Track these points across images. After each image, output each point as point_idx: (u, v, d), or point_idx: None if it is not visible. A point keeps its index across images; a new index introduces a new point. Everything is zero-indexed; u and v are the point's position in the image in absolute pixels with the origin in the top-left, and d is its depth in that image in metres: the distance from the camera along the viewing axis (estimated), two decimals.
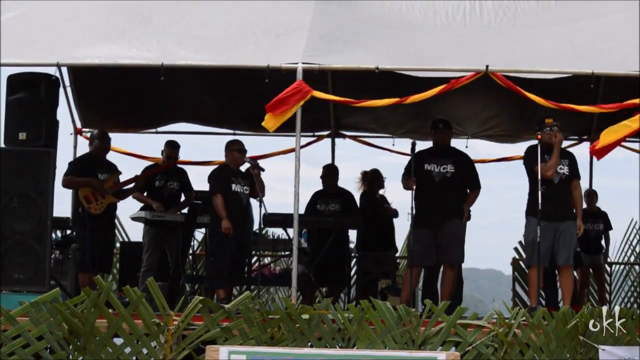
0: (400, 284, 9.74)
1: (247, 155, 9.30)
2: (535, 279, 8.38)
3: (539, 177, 8.25)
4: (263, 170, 9.15)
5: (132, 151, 11.24)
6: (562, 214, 8.33)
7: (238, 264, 9.27)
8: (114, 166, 9.55)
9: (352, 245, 11.08)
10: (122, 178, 9.56)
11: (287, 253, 10.61)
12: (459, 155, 9.03)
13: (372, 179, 10.94)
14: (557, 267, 8.69)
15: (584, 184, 10.60)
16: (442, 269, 8.98)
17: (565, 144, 11.25)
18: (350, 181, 10.97)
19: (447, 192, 8.70)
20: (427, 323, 7.08)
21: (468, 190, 8.93)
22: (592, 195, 11.49)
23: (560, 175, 8.42)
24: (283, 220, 9.63)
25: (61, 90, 9.29)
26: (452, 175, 8.75)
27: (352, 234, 10.87)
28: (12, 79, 8.39)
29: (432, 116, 9.82)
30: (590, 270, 11.73)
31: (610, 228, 11.67)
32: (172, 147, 10.02)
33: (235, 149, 9.20)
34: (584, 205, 10.35)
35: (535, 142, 8.47)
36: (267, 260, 11.97)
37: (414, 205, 8.46)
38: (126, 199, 9.74)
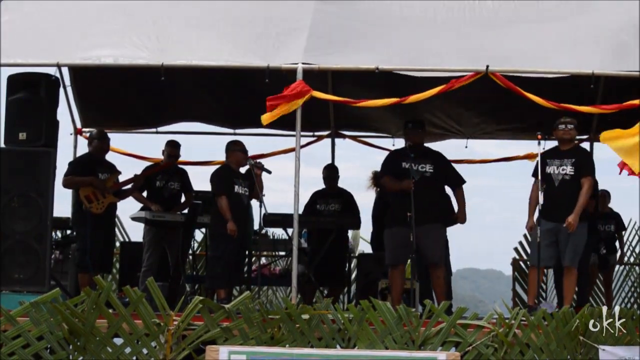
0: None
1: (247, 155, 9.31)
2: (532, 279, 8.44)
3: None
4: (269, 172, 9.13)
5: (132, 151, 11.25)
6: (563, 216, 8.28)
7: (238, 265, 9.27)
8: (113, 166, 9.57)
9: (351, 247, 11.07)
10: (122, 178, 9.58)
11: (287, 253, 10.61)
12: (436, 155, 9.02)
13: None
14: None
15: None
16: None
17: None
18: (350, 181, 10.96)
19: (425, 191, 8.65)
20: (427, 323, 7.08)
21: (452, 191, 8.92)
22: (604, 195, 11.42)
23: (562, 176, 8.36)
24: (283, 220, 9.63)
25: (61, 90, 9.30)
26: (431, 175, 8.75)
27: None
28: (12, 79, 8.40)
29: (432, 117, 9.82)
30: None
31: (624, 229, 11.64)
32: (173, 147, 10.04)
33: (238, 150, 9.21)
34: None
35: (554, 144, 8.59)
36: (264, 260, 11.95)
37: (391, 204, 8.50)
38: (126, 199, 9.75)
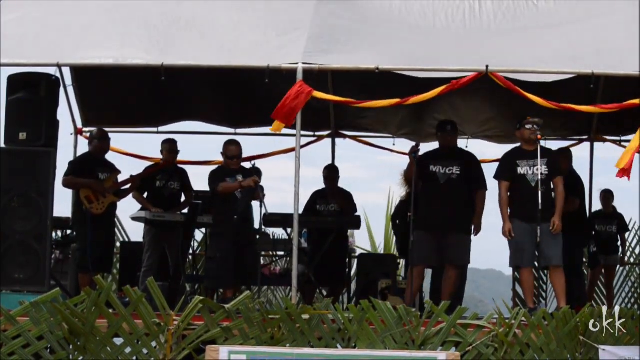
0: (401, 284, 9.73)
1: (246, 155, 9.30)
2: (526, 280, 8.42)
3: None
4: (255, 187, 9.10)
5: (132, 151, 11.25)
6: (544, 216, 8.18)
7: (238, 264, 9.23)
8: (113, 166, 9.56)
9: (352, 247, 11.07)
10: (122, 178, 9.57)
11: (287, 253, 10.60)
12: (466, 157, 8.97)
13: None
14: (547, 269, 8.66)
15: (585, 185, 10.60)
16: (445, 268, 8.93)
17: (564, 144, 11.32)
18: (350, 181, 10.99)
19: (452, 194, 8.63)
20: (427, 323, 7.08)
21: (474, 192, 8.81)
22: (607, 196, 11.39)
23: (538, 177, 8.25)
24: (283, 220, 9.63)
25: (61, 90, 9.30)
26: (457, 177, 8.68)
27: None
28: (12, 79, 8.40)
29: (432, 117, 9.81)
30: (603, 270, 11.72)
31: (626, 229, 11.60)
32: (172, 143, 10.02)
33: (223, 152, 9.16)
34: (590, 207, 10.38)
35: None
36: (263, 261, 11.94)
37: (418, 207, 8.46)
38: (125, 198, 9.74)
